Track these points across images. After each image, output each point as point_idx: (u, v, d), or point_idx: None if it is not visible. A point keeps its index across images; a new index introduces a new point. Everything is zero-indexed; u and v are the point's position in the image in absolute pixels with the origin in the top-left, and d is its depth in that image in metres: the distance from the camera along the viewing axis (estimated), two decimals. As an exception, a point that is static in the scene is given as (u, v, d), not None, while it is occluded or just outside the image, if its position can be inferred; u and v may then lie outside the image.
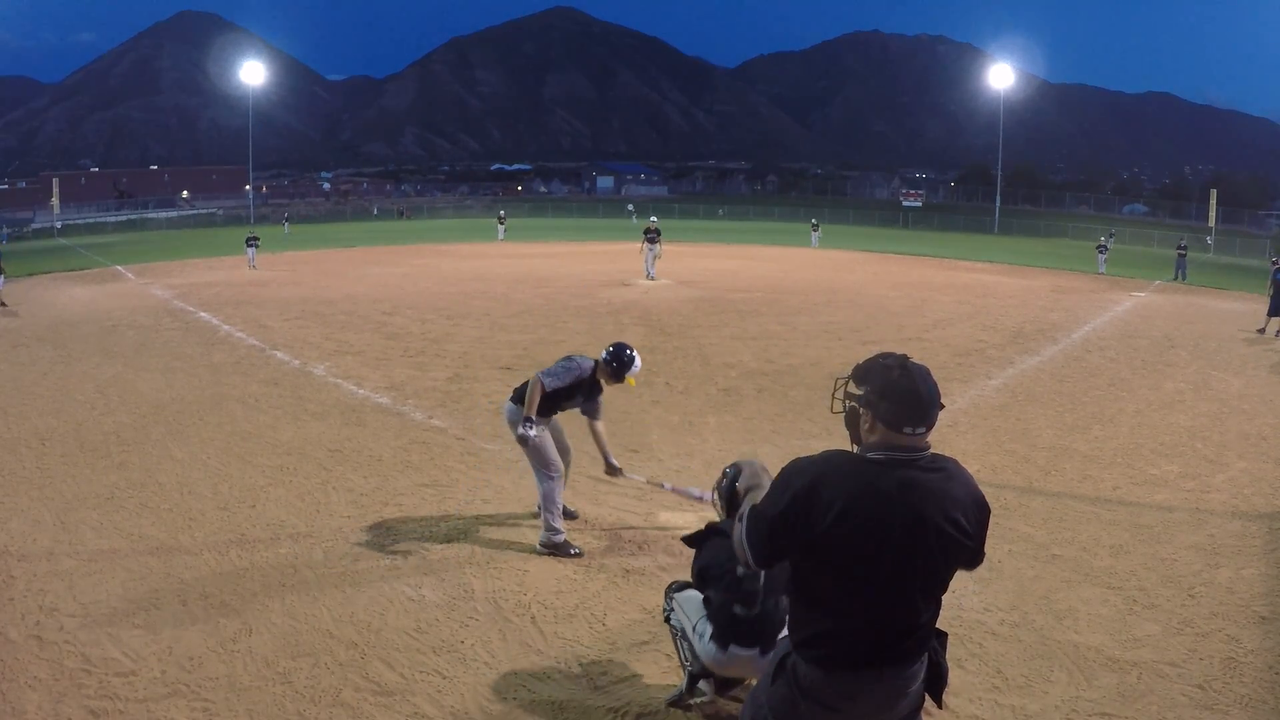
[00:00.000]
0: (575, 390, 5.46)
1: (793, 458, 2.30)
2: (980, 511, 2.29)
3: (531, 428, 5.23)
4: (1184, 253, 28.35)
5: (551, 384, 5.32)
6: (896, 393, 2.18)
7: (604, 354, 5.49)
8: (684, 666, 3.72)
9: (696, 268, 26.39)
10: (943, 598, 2.37)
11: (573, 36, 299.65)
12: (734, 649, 3.36)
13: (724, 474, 3.78)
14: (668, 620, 3.77)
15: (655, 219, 25.43)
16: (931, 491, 2.18)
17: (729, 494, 3.68)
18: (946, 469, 2.25)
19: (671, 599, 3.75)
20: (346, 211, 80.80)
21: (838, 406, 2.41)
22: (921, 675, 2.34)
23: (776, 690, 2.31)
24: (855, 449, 2.31)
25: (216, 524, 5.85)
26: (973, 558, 2.34)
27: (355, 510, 6.12)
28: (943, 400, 2.26)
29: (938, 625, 2.40)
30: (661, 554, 5.42)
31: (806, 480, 2.17)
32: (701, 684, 3.66)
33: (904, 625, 2.25)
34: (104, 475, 6.86)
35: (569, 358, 5.50)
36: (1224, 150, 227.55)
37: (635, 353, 5.53)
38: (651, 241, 22.40)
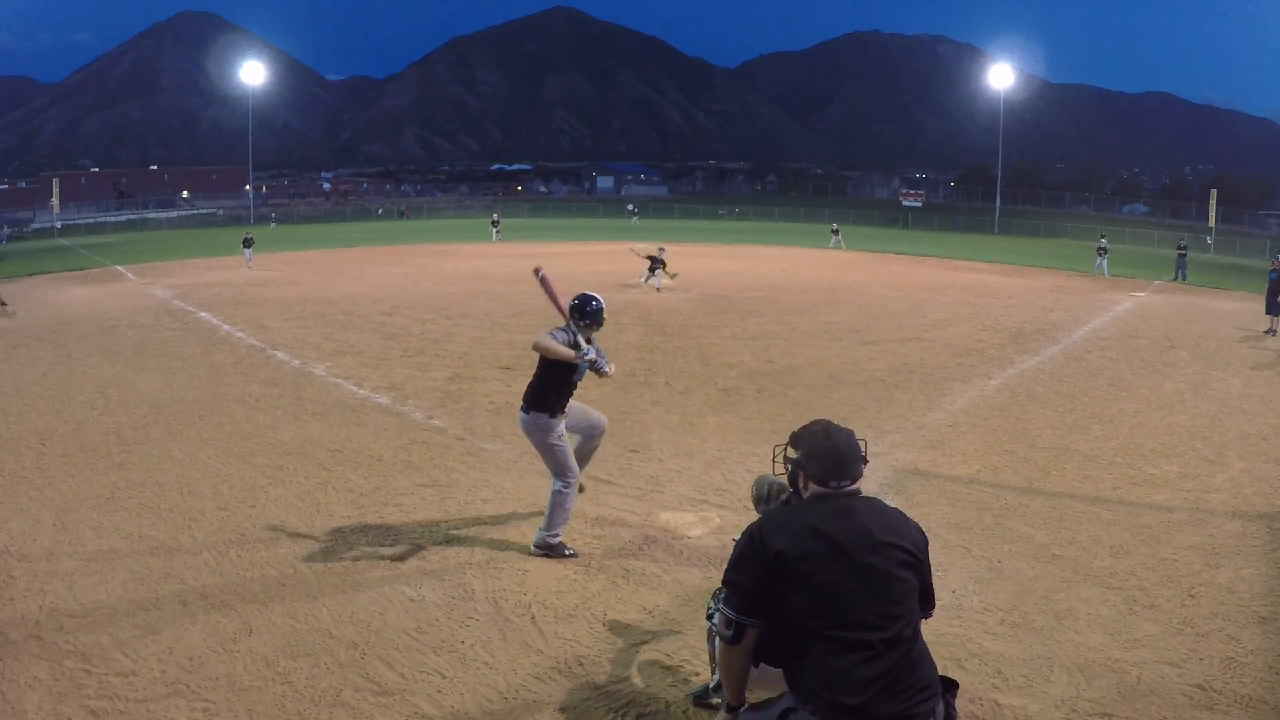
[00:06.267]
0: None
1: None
2: (919, 534, 2.60)
3: (589, 352, 5.18)
4: (1184, 253, 28.34)
5: (559, 336, 5.18)
6: (820, 453, 2.61)
7: (571, 308, 5.40)
8: (713, 665, 3.71)
9: (696, 268, 26.38)
10: (936, 614, 2.67)
11: (573, 36, 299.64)
12: (764, 665, 3.42)
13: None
14: (710, 619, 3.72)
15: (663, 248, 21.99)
16: (868, 513, 2.56)
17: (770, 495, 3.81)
18: (877, 503, 2.63)
19: (720, 601, 3.71)
20: (347, 211, 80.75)
21: (779, 469, 2.86)
22: None
23: None
24: None
25: (216, 524, 5.85)
26: (924, 585, 2.56)
27: (355, 510, 6.12)
28: (866, 456, 2.68)
29: (947, 676, 2.54)
30: (661, 554, 5.42)
31: (756, 536, 2.54)
32: None
33: (894, 661, 2.34)
34: (104, 475, 6.85)
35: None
36: (1224, 150, 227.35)
37: (598, 300, 5.43)
38: (653, 270, 20.64)
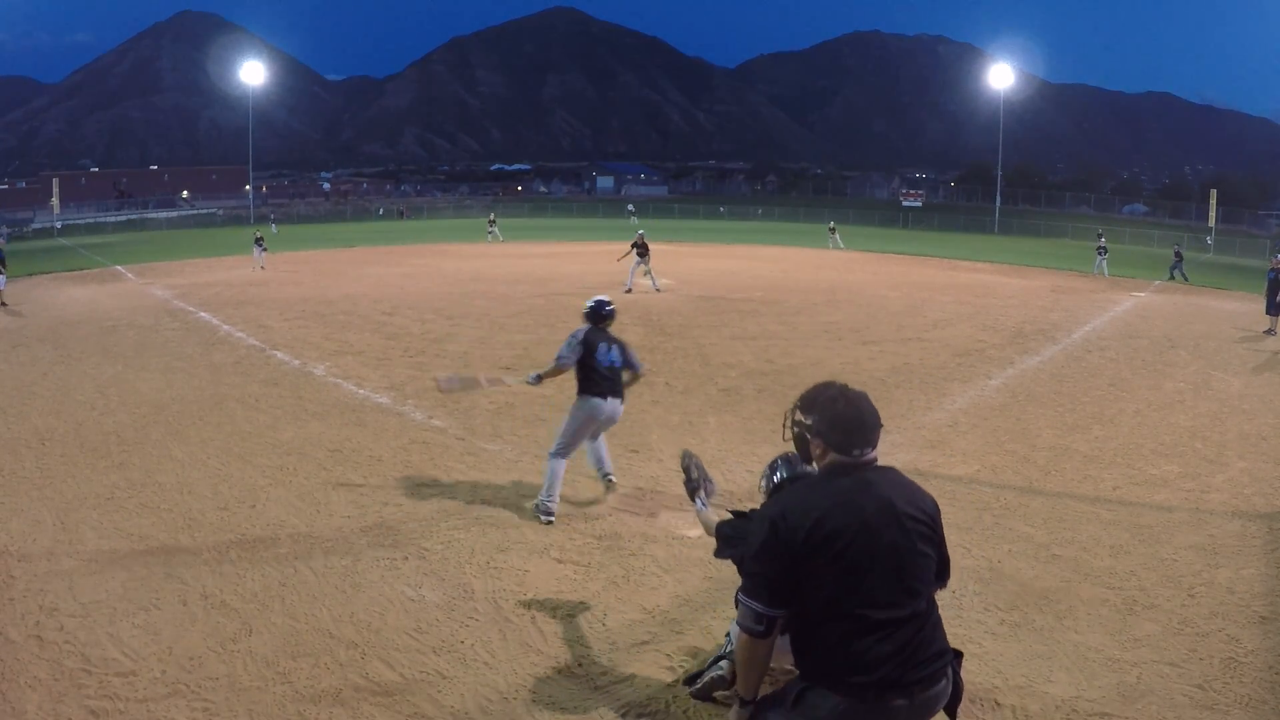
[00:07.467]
0: (594, 351, 6.01)
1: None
2: (934, 503, 2.50)
3: (537, 381, 6.20)
4: (1180, 259, 28.42)
5: (571, 355, 5.98)
6: (843, 421, 2.45)
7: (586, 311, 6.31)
8: (721, 654, 3.80)
9: (696, 268, 26.40)
10: (937, 599, 2.49)
11: (573, 36, 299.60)
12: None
13: (772, 469, 3.67)
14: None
15: (642, 232, 22.00)
16: (888, 485, 2.43)
17: (774, 490, 3.62)
18: (894, 473, 2.51)
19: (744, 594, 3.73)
20: (347, 211, 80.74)
21: (788, 434, 2.67)
22: (946, 696, 2.38)
23: None
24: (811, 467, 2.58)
25: (216, 524, 5.85)
26: (941, 557, 2.48)
27: (355, 510, 6.12)
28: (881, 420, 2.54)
29: (952, 646, 2.49)
30: (661, 554, 5.42)
31: (780, 521, 2.36)
32: (724, 662, 3.73)
33: (913, 634, 2.31)
34: (104, 475, 6.85)
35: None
36: (1224, 150, 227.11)
37: (607, 303, 6.38)
38: (642, 255, 20.66)
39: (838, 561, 2.29)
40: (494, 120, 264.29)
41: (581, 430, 6.08)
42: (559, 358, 6.01)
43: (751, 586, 2.39)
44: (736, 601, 2.47)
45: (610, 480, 6.31)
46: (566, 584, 4.98)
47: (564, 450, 6.03)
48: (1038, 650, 4.32)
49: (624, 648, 4.27)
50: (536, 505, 6.00)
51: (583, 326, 6.14)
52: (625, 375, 6.20)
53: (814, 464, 2.57)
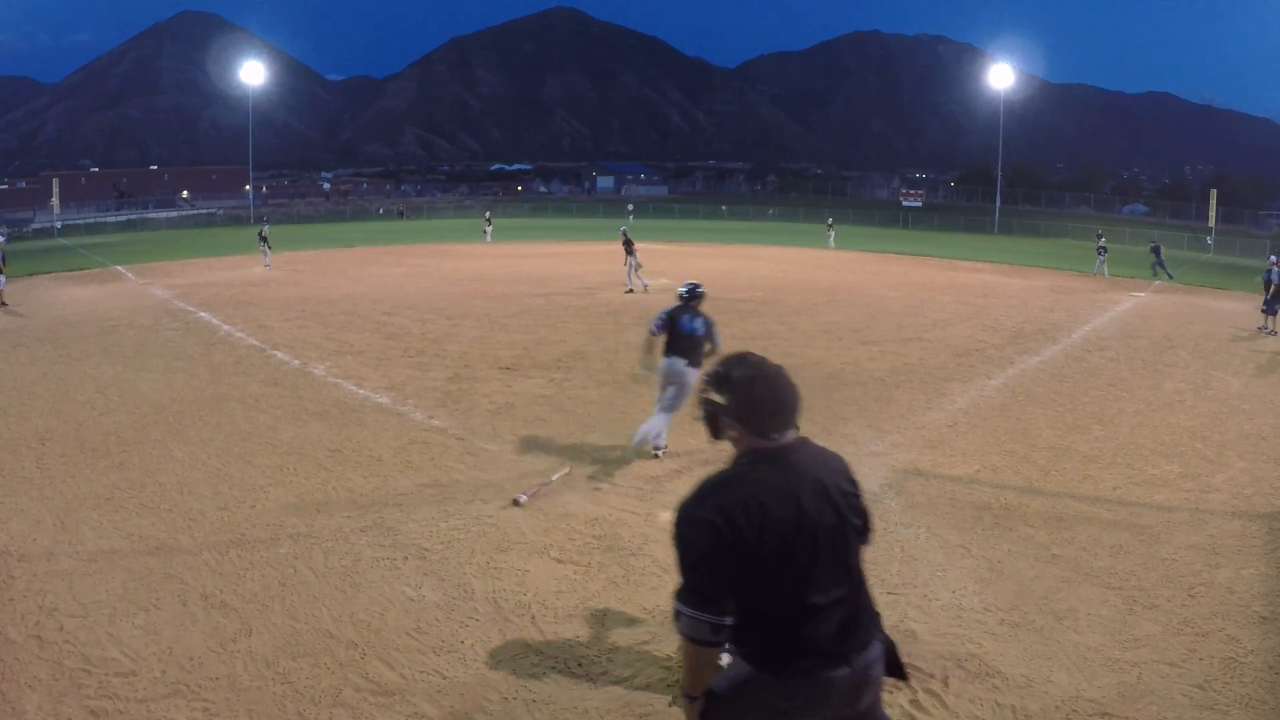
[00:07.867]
0: (677, 321, 7.23)
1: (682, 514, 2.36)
2: (848, 466, 2.43)
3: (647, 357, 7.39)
4: (1159, 256, 28.44)
5: (656, 325, 7.26)
6: (762, 404, 2.29)
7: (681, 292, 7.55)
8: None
9: (696, 268, 26.38)
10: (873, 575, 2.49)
11: (573, 36, 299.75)
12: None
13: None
14: None
15: (624, 229, 21.97)
16: (811, 464, 2.31)
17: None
18: (811, 445, 2.37)
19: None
20: (347, 211, 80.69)
21: (699, 412, 2.48)
22: (881, 660, 2.37)
23: (749, 715, 2.29)
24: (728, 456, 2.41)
25: (216, 524, 5.85)
26: (864, 520, 2.40)
27: (355, 510, 6.12)
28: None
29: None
30: (661, 554, 5.42)
31: (719, 524, 2.21)
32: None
33: (850, 607, 2.28)
34: (104, 475, 6.86)
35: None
36: (1224, 150, 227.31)
37: (698, 286, 7.57)
38: (629, 251, 20.71)
39: (785, 560, 2.19)
40: (494, 120, 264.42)
41: (662, 384, 7.32)
42: (649, 329, 7.34)
43: (697, 599, 2.21)
44: (676, 614, 2.27)
45: (656, 452, 7.36)
46: (566, 584, 4.98)
47: (660, 403, 7.34)
48: (1038, 650, 4.32)
49: (624, 648, 4.27)
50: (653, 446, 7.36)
51: (673, 305, 7.39)
52: (706, 347, 7.26)
53: (723, 439, 2.42)
